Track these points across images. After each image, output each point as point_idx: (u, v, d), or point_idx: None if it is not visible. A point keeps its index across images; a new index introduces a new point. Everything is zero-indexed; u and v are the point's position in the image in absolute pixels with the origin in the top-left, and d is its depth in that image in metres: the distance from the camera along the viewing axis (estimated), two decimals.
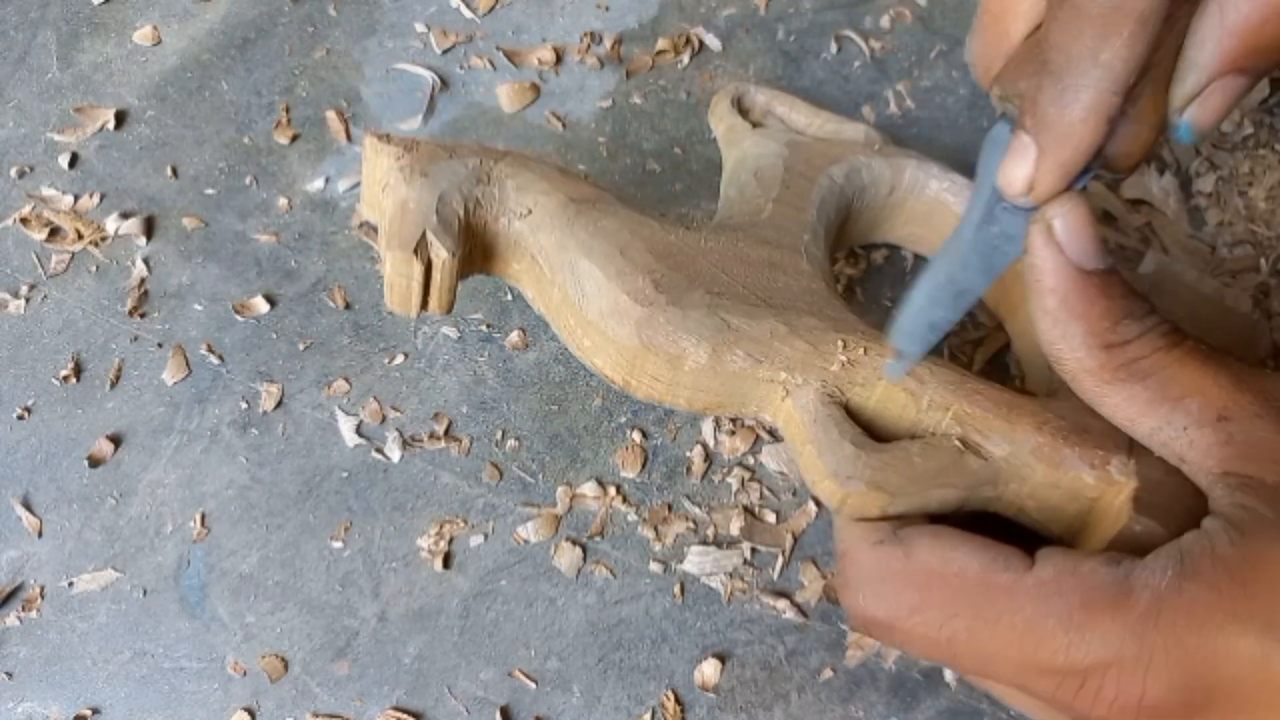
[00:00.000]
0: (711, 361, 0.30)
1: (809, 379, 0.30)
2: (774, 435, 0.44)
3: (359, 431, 0.45)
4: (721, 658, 0.41)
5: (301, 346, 0.46)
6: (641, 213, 0.33)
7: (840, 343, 0.31)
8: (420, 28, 0.52)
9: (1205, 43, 0.24)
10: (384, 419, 0.45)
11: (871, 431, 0.31)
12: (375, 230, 0.32)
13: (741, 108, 0.46)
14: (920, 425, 0.31)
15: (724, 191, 0.41)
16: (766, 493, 0.43)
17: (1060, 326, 0.26)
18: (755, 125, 0.44)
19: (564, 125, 0.50)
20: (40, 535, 0.44)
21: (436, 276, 0.30)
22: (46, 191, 0.49)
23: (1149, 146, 0.27)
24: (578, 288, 0.31)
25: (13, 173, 0.50)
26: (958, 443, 0.30)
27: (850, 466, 0.29)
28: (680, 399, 0.32)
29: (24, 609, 0.43)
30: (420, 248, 0.29)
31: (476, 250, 0.32)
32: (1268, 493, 0.23)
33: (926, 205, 0.42)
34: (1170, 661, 0.22)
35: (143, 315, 0.47)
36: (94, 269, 0.48)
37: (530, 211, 0.31)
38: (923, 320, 0.29)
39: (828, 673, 0.41)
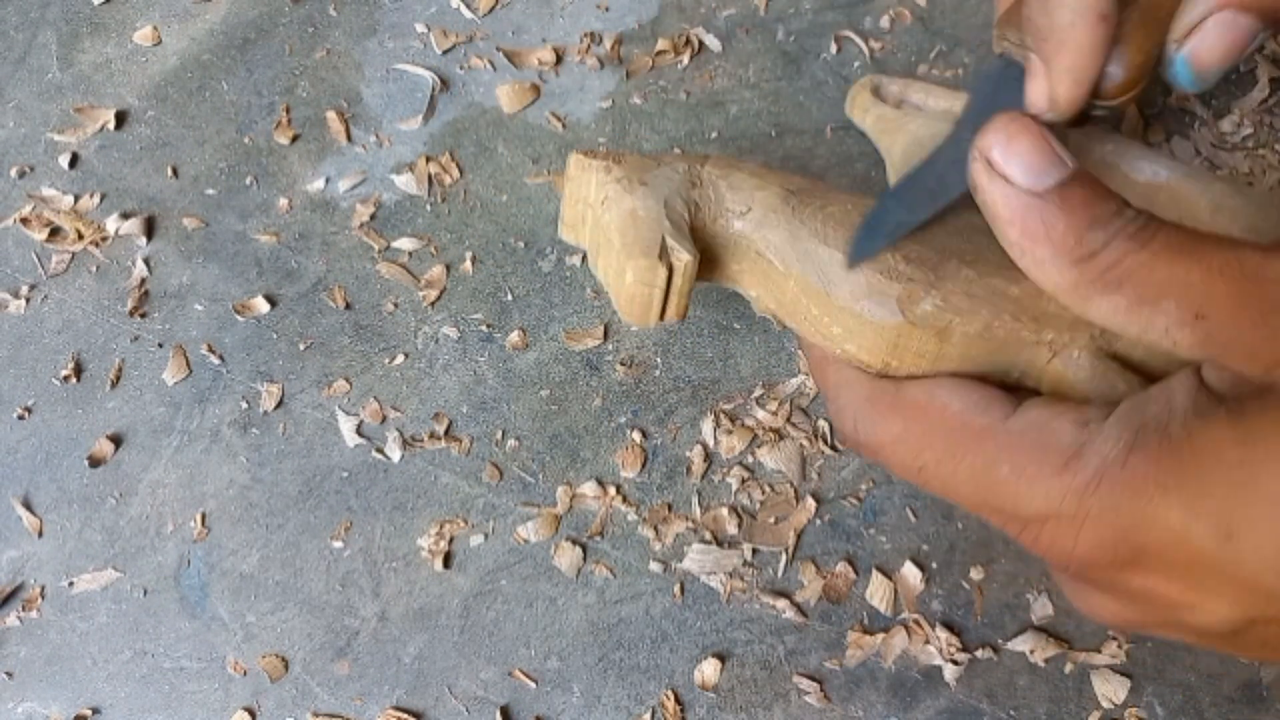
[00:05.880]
0: (982, 330, 0.30)
1: (1076, 336, 0.30)
2: (774, 433, 0.44)
3: (359, 431, 0.45)
4: (721, 657, 0.41)
5: (302, 346, 0.46)
6: (856, 195, 0.33)
7: None
8: (420, 28, 0.52)
9: None
10: (384, 419, 0.45)
11: (1144, 376, 0.30)
12: (584, 255, 0.32)
13: (879, 97, 0.45)
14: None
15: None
16: (766, 492, 0.43)
17: (1028, 255, 0.25)
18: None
19: (564, 126, 0.50)
20: (40, 535, 0.44)
21: (678, 281, 0.30)
22: (47, 191, 0.49)
23: (1140, 71, 0.29)
24: (820, 275, 0.30)
25: (13, 173, 0.50)
26: None
27: None
28: (945, 372, 0.31)
29: (24, 609, 0.43)
30: (662, 253, 0.30)
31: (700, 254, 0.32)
32: (1238, 389, 0.24)
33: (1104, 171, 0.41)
34: (1102, 524, 0.24)
35: (143, 315, 0.47)
36: (94, 269, 0.48)
37: (750, 209, 0.31)
38: (890, 219, 0.30)
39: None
